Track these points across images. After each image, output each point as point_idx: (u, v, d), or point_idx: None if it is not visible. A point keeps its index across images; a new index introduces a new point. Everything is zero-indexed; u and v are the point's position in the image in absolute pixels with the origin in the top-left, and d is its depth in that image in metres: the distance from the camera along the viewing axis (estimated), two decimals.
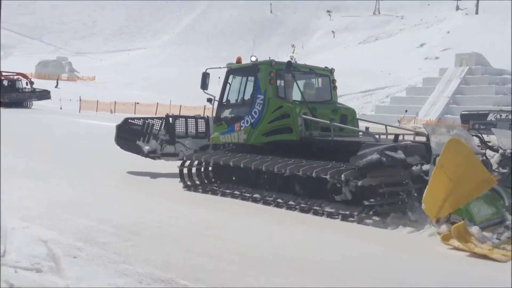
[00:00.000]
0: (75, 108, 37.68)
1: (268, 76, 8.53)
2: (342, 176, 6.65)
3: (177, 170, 9.28)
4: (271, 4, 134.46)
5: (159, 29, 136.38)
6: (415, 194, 6.64)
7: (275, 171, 7.53)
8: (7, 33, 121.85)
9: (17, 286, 3.54)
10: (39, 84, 44.41)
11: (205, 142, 10.69)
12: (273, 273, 4.23)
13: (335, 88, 9.54)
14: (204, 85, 9.66)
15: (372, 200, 6.55)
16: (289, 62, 8.77)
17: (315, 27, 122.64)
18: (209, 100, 9.91)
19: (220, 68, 9.79)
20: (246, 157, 8.27)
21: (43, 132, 19.52)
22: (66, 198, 7.40)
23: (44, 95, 39.13)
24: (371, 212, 6.56)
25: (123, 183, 9.57)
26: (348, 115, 9.10)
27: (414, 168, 6.73)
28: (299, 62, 10.26)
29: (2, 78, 37.30)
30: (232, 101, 9.39)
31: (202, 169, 9.13)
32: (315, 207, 7.03)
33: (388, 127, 9.13)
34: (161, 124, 10.87)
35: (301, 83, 9.24)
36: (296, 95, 8.95)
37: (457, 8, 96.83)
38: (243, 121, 8.82)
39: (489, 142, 7.23)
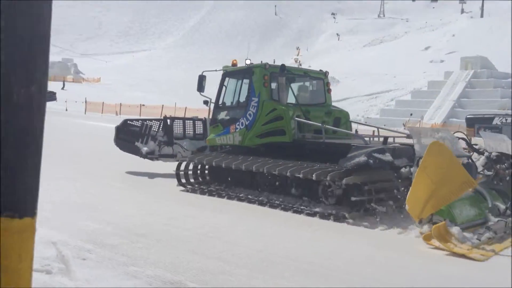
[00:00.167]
0: (80, 109, 37.82)
1: (262, 79, 8.70)
2: (328, 176, 6.81)
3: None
4: (275, 6, 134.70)
5: (164, 31, 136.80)
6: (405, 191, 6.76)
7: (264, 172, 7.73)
8: None
9: None
10: None
11: (203, 143, 10.85)
12: (281, 276, 4.24)
13: (329, 91, 9.69)
14: (200, 88, 9.85)
15: (361, 197, 6.66)
16: (283, 65, 8.94)
17: (320, 30, 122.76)
18: (205, 102, 10.12)
19: (216, 70, 9.98)
20: (239, 158, 8.44)
21: (49, 133, 19.59)
22: (72, 200, 7.43)
23: (50, 96, 39.43)
24: (362, 210, 6.69)
25: (126, 184, 9.58)
26: (341, 118, 9.26)
27: (402, 170, 6.88)
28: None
29: None
30: (228, 103, 9.56)
31: (199, 171, 9.34)
32: (302, 207, 7.20)
33: (379, 129, 9.27)
34: (159, 126, 11.07)
35: (295, 86, 9.41)
36: (290, 98, 9.12)
37: (462, 11, 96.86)
38: (238, 123, 8.97)
39: (475, 145, 7.35)
